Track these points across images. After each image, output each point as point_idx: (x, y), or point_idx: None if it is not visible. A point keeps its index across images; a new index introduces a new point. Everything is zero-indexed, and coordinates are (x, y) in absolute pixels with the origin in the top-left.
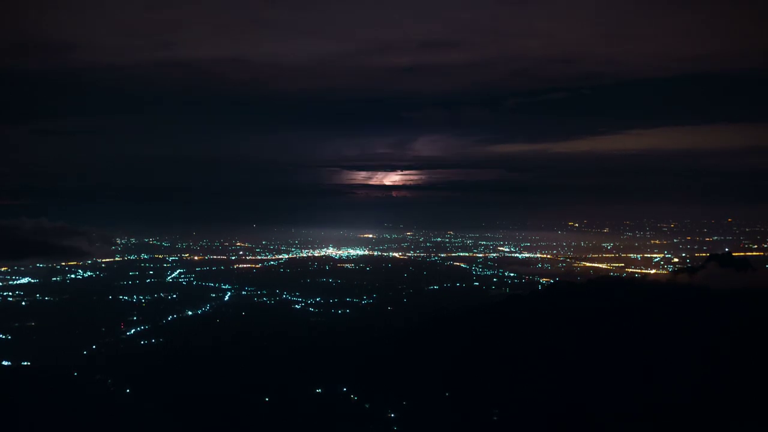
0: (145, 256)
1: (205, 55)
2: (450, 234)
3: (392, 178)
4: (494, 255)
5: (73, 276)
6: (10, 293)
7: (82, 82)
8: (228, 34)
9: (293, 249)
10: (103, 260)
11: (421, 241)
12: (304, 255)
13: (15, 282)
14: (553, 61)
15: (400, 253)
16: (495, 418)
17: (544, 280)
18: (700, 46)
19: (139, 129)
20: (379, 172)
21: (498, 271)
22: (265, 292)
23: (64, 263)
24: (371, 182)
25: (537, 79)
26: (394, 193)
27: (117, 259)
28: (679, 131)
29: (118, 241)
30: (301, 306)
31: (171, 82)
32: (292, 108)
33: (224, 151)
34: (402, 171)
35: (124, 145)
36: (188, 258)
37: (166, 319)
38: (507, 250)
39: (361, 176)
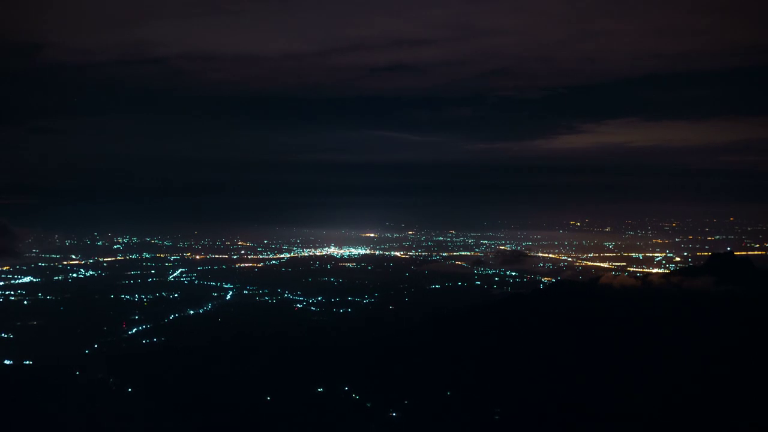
0: (147, 255)
1: (176, 52)
2: (452, 233)
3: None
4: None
5: (75, 275)
6: (12, 292)
7: (55, 82)
8: (198, 30)
9: (295, 248)
10: (105, 259)
11: (423, 240)
12: (306, 254)
13: (17, 281)
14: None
15: (402, 252)
16: (497, 418)
17: (546, 279)
18: (676, 43)
19: (115, 129)
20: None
21: (500, 270)
22: (266, 291)
23: (66, 262)
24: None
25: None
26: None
27: (119, 258)
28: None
29: (120, 240)
30: (303, 305)
31: (147, 80)
32: (270, 106)
33: (206, 148)
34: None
35: (99, 145)
36: (190, 257)
37: (168, 318)
38: (509, 249)
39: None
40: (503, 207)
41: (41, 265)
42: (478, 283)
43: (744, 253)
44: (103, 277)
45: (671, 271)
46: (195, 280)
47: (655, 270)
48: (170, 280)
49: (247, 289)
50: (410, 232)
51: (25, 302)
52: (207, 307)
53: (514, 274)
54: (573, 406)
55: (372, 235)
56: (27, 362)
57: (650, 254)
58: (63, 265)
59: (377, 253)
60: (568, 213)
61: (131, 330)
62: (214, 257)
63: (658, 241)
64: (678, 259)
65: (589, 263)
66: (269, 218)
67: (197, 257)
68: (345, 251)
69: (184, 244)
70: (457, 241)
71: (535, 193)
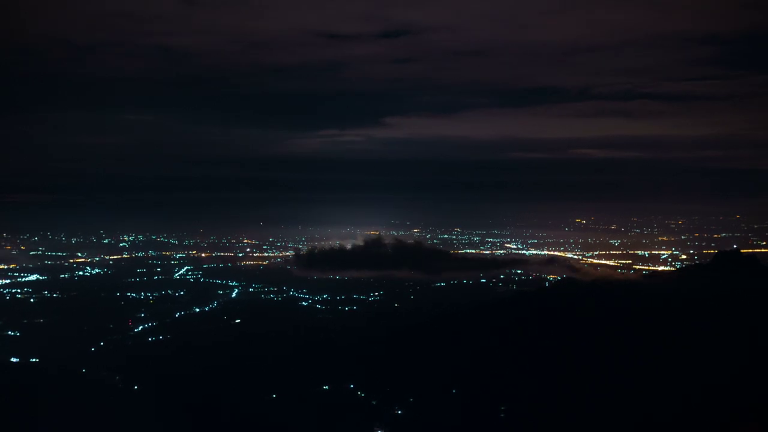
0: (153, 253)
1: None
2: (457, 231)
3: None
4: (501, 252)
5: (81, 273)
6: (19, 290)
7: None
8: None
9: (300, 246)
10: (111, 257)
11: (428, 238)
12: None
13: (23, 279)
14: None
15: None
16: (502, 415)
17: (551, 277)
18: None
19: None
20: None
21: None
22: (272, 288)
23: (72, 260)
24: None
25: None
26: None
27: (125, 256)
28: None
29: (126, 238)
30: (308, 303)
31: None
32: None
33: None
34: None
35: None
36: (196, 255)
37: (174, 316)
38: (514, 246)
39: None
40: (510, 205)
41: (47, 263)
42: (483, 280)
43: (750, 250)
44: (109, 275)
45: (677, 268)
46: (201, 277)
47: (662, 268)
48: (176, 278)
49: (252, 287)
50: (415, 230)
51: (32, 300)
52: (213, 305)
53: (519, 271)
54: (578, 404)
55: (377, 233)
56: (33, 360)
57: (656, 252)
58: (69, 263)
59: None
60: (573, 211)
61: (137, 328)
62: (220, 255)
63: (664, 238)
64: (684, 256)
65: (595, 261)
66: (274, 217)
67: (203, 255)
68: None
69: (189, 242)
70: (462, 239)
71: (542, 191)
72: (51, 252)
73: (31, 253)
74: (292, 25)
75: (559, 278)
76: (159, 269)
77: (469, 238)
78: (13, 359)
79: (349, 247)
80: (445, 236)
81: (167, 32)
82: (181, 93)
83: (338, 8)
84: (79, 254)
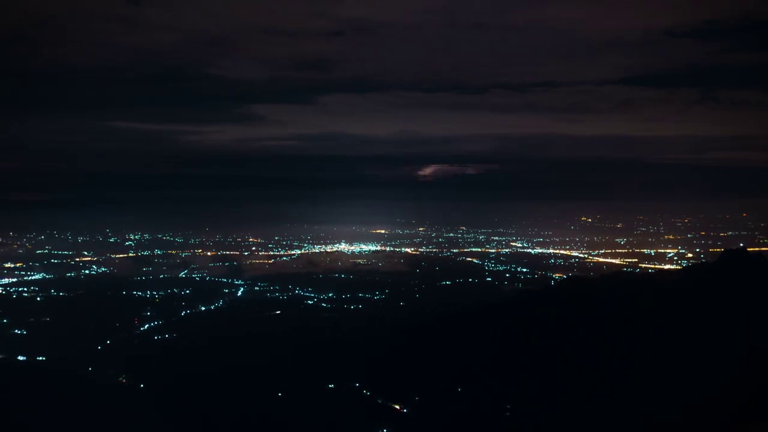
0: (159, 252)
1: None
2: (462, 229)
3: None
4: (507, 250)
5: (87, 272)
6: (26, 289)
7: None
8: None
9: (306, 245)
10: (117, 256)
11: (434, 237)
12: (317, 250)
13: (30, 278)
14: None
15: (413, 249)
16: (507, 414)
17: (557, 276)
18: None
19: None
20: None
21: (510, 267)
22: (277, 287)
23: (78, 259)
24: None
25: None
26: None
27: (131, 255)
28: None
29: (132, 237)
30: (314, 301)
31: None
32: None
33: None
34: None
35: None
36: (201, 254)
37: (180, 315)
38: (519, 245)
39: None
40: (515, 204)
41: (54, 262)
42: (489, 279)
43: (757, 249)
44: (115, 274)
45: (683, 267)
46: (206, 276)
47: (668, 266)
48: (182, 277)
49: (258, 286)
50: (421, 229)
51: (38, 299)
52: (218, 304)
53: (525, 270)
54: (583, 404)
55: (382, 231)
56: (40, 358)
57: (662, 250)
58: (75, 261)
59: (388, 249)
60: (579, 209)
61: (143, 326)
62: (225, 254)
63: (670, 237)
64: (690, 255)
65: (601, 259)
66: (280, 215)
67: (208, 254)
68: (356, 248)
69: (195, 241)
70: (467, 238)
71: (551, 189)
72: (57, 251)
73: (38, 251)
74: (238, 24)
75: (564, 276)
76: (165, 268)
77: (474, 237)
78: (20, 357)
79: None
80: (451, 235)
81: (114, 31)
82: (155, 92)
83: (286, 4)
84: (85, 253)
